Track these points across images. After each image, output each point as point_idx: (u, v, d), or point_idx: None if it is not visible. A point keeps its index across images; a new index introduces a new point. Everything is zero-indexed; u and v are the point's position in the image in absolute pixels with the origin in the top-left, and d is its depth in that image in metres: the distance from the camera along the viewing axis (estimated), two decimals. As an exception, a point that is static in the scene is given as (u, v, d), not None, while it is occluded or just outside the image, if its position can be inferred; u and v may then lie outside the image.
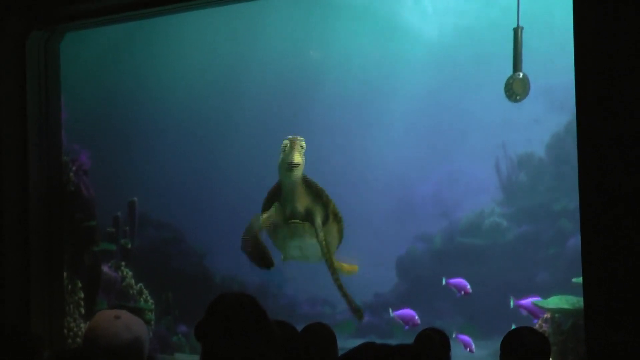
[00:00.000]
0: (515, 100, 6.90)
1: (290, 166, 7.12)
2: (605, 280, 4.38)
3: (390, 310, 9.60)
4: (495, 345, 4.22)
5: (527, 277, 10.48)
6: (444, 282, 9.35)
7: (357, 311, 7.50)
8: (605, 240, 4.39)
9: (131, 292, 9.77)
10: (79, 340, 8.01)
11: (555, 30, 7.70)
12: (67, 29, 7.26)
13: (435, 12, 12.70)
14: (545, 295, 7.83)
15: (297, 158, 7.11)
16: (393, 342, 2.77)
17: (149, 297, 9.93)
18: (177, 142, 12.60)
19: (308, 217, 7.36)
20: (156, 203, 11.68)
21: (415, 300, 10.60)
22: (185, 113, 12.72)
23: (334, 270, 7.37)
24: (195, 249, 12.22)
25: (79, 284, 8.54)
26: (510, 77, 6.78)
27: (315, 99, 12.30)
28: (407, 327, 9.20)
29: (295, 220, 7.35)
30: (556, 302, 7.36)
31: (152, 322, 9.81)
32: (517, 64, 6.67)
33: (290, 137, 7.19)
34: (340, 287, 7.38)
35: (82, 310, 8.49)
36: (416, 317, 9.17)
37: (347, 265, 7.83)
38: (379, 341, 2.80)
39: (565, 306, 7.25)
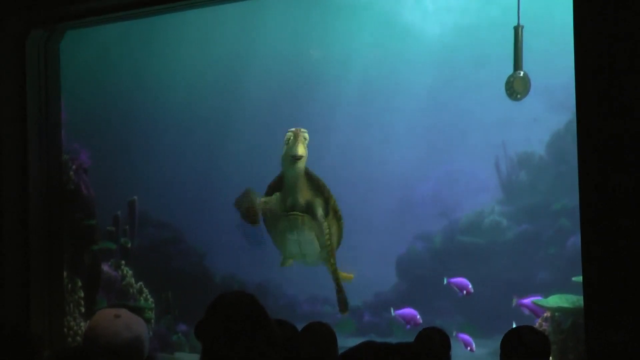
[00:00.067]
0: (516, 99, 6.90)
1: (294, 158, 7.10)
2: (605, 280, 4.39)
3: (392, 310, 9.58)
4: (495, 344, 4.23)
5: (527, 276, 10.49)
6: (445, 282, 9.34)
7: (343, 304, 7.47)
8: (605, 240, 4.40)
9: (131, 291, 9.77)
10: (79, 339, 8.01)
11: (555, 29, 7.69)
12: (67, 27, 7.26)
13: (436, 10, 12.71)
14: (545, 294, 7.83)
15: (301, 150, 7.10)
16: (393, 341, 2.77)
17: (149, 296, 9.93)
18: (177, 142, 12.61)
19: (308, 209, 7.33)
20: (156, 203, 11.68)
21: (416, 300, 10.60)
22: (185, 113, 12.73)
23: (334, 261, 7.36)
24: (195, 248, 12.22)
25: (79, 283, 8.54)
26: (511, 76, 6.78)
27: (315, 99, 12.30)
28: (408, 326, 9.19)
29: (295, 212, 7.33)
30: (556, 301, 7.37)
31: (152, 321, 9.81)
32: (517, 63, 6.67)
33: (293, 129, 7.17)
34: (337, 278, 7.38)
35: (82, 310, 8.49)
36: (418, 317, 9.16)
37: (344, 273, 7.81)
38: (379, 340, 2.80)
39: (565, 305, 7.25)
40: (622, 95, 4.37)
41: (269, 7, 12.05)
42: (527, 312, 8.07)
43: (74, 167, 8.58)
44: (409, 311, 9.31)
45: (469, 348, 8.96)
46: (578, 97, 4.52)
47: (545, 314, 7.58)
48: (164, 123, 12.66)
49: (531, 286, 9.67)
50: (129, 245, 10.06)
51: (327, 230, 7.33)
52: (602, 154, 4.42)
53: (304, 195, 7.32)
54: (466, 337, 9.04)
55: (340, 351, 3.16)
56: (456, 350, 5.38)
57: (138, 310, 8.91)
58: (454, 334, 8.99)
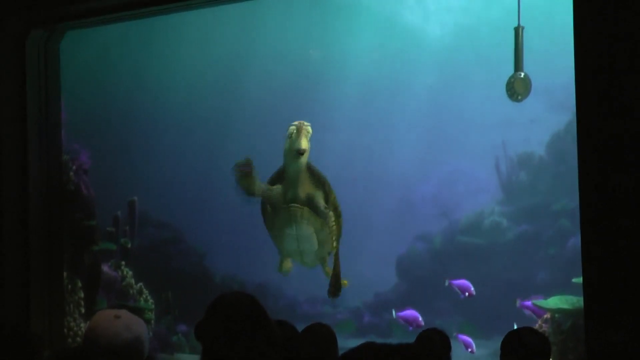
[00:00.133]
0: (517, 100, 6.90)
1: (298, 152, 7.07)
2: (605, 280, 4.38)
3: (394, 312, 9.52)
4: (495, 345, 4.23)
5: (527, 276, 10.49)
6: (446, 284, 9.31)
7: (336, 288, 7.43)
8: (605, 240, 4.39)
9: (131, 291, 9.77)
10: (79, 339, 8.01)
11: (555, 30, 7.69)
12: (67, 28, 7.26)
13: (437, 11, 12.71)
14: (545, 294, 7.83)
15: (305, 144, 7.05)
16: (393, 341, 2.77)
17: (149, 297, 9.92)
18: (177, 142, 12.61)
19: (309, 203, 7.30)
20: (156, 203, 11.68)
21: (415, 300, 10.59)
22: (185, 113, 12.73)
23: (337, 245, 7.33)
24: (195, 249, 12.22)
25: (79, 284, 8.53)
26: (512, 77, 6.78)
27: (315, 99, 12.29)
28: (411, 328, 9.16)
29: (295, 204, 7.29)
30: (556, 302, 7.37)
31: (152, 322, 9.80)
32: (518, 64, 6.68)
33: (296, 122, 7.13)
34: (337, 261, 7.35)
35: (82, 310, 8.48)
36: (420, 319, 9.11)
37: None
38: (379, 341, 2.79)
39: (565, 306, 7.25)
40: (622, 95, 4.37)
41: (269, 7, 12.04)
42: (528, 313, 8.07)
43: (74, 167, 8.58)
44: (410, 313, 9.26)
45: (469, 349, 8.95)
46: (578, 97, 4.52)
47: (545, 315, 7.59)
48: (164, 123, 12.65)
49: (531, 287, 9.67)
50: (129, 245, 10.06)
51: (333, 218, 7.30)
52: (602, 154, 4.41)
53: (305, 188, 7.28)
54: (466, 338, 9.02)
55: (341, 352, 3.15)
56: (456, 351, 5.37)
57: (138, 311, 8.91)
58: (454, 335, 8.98)
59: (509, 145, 11.61)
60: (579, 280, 4.63)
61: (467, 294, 9.14)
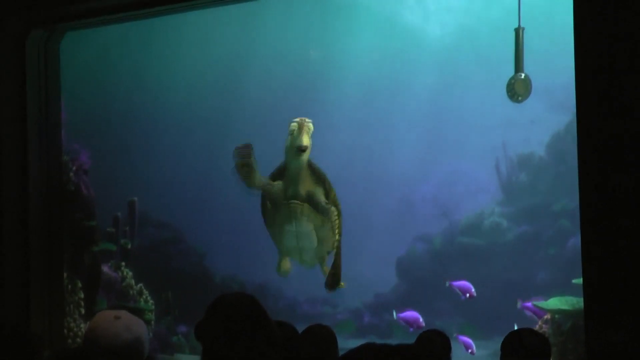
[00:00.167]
0: (517, 101, 6.90)
1: (300, 149, 7.07)
2: (605, 280, 4.38)
3: (394, 313, 9.51)
4: (495, 345, 4.22)
5: (527, 277, 10.47)
6: (447, 285, 9.31)
7: (334, 281, 7.39)
8: (605, 240, 4.39)
9: (131, 292, 9.77)
10: (79, 340, 8.01)
11: (556, 30, 7.69)
12: (67, 28, 7.26)
13: (437, 11, 12.70)
14: (545, 295, 7.83)
15: (306, 141, 7.06)
16: (393, 342, 2.76)
17: (149, 297, 9.93)
18: (177, 142, 12.60)
19: (309, 200, 7.29)
20: (156, 203, 11.67)
21: (416, 301, 10.59)
22: (185, 113, 12.72)
23: (340, 238, 7.31)
24: (195, 249, 12.22)
25: (79, 284, 8.54)
26: (512, 78, 6.78)
27: (315, 99, 12.28)
28: (412, 329, 9.15)
29: (295, 201, 7.28)
30: (556, 303, 7.38)
31: (152, 322, 9.81)
32: (518, 65, 6.68)
33: (298, 119, 7.13)
34: (339, 254, 7.33)
35: (82, 311, 8.48)
36: (420, 320, 9.10)
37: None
38: (379, 341, 2.79)
39: (565, 307, 7.26)
40: (622, 95, 4.37)
41: (269, 7, 12.04)
42: (529, 314, 8.06)
43: (74, 167, 8.58)
44: (411, 314, 9.25)
45: (469, 350, 8.94)
46: (578, 97, 4.52)
47: (545, 316, 7.59)
48: (164, 123, 12.64)
49: (531, 287, 9.67)
50: (129, 246, 10.06)
51: (335, 212, 7.28)
52: (602, 154, 4.41)
53: (305, 185, 7.28)
54: (467, 339, 9.01)
55: (341, 352, 3.15)
56: (456, 352, 5.37)
57: (138, 312, 8.92)
58: (454, 336, 8.98)
59: (509, 145, 11.60)
60: (579, 281, 4.63)
61: (467, 295, 9.14)
